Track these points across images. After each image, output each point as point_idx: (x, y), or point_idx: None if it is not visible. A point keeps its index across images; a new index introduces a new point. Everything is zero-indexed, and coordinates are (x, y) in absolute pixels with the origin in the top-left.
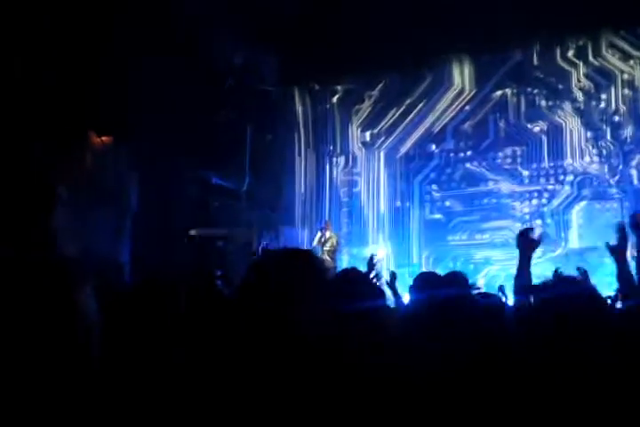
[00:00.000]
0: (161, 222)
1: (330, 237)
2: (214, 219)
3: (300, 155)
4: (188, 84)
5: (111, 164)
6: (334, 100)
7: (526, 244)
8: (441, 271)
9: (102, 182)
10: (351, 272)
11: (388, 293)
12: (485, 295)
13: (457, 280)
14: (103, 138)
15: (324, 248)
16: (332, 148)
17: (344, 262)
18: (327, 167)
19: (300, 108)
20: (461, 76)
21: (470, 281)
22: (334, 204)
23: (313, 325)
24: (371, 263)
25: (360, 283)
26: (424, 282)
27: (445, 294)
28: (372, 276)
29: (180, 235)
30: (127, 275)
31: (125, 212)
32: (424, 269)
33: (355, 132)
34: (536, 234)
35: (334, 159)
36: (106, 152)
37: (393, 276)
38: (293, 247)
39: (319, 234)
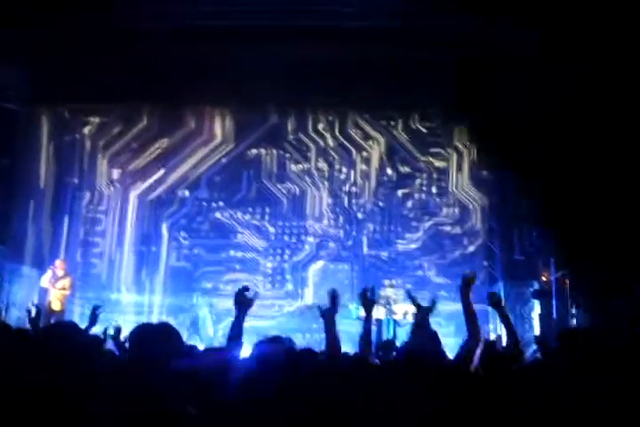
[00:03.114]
0: None
1: (62, 278)
2: None
3: (40, 185)
4: None
5: None
6: (85, 131)
7: (242, 301)
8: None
9: None
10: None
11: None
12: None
13: (169, 335)
14: None
15: (55, 289)
16: (77, 181)
17: (76, 307)
18: (69, 201)
19: (45, 135)
20: (222, 129)
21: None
22: (73, 241)
23: None
24: (94, 315)
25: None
26: (138, 337)
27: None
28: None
29: None
30: None
31: None
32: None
33: (104, 168)
34: (251, 293)
35: (78, 193)
36: None
37: (118, 331)
38: None
39: (49, 273)
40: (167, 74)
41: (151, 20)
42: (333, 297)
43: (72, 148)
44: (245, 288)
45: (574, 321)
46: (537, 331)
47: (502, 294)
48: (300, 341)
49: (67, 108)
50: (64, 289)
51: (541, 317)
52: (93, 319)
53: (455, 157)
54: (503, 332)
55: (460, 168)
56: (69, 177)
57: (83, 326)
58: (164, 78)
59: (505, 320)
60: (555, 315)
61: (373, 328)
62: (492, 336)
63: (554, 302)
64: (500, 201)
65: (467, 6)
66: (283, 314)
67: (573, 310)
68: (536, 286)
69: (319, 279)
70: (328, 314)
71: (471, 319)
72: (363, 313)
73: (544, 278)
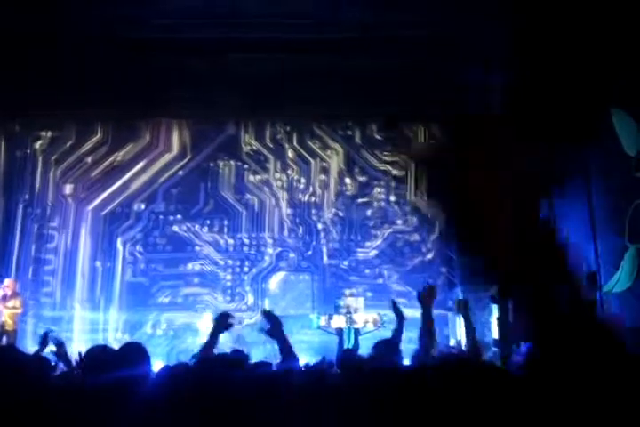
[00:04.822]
0: None
1: (12, 297)
2: None
3: None
4: None
5: None
6: (36, 145)
7: (222, 323)
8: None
9: None
10: None
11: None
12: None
13: (132, 356)
14: None
15: (5, 308)
16: (27, 197)
17: (29, 326)
18: (19, 217)
19: None
20: (178, 140)
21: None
22: (24, 259)
23: None
24: (45, 339)
25: None
26: (96, 360)
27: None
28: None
29: None
30: None
31: None
32: (119, 336)
33: (55, 183)
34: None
35: (29, 210)
36: None
37: (60, 345)
38: None
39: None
40: (121, 85)
41: (105, 29)
42: (268, 316)
43: (23, 162)
44: (230, 315)
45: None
46: (495, 335)
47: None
48: (260, 353)
49: (17, 122)
50: (15, 308)
51: (499, 321)
52: (44, 343)
53: (412, 165)
54: (463, 336)
55: (417, 176)
56: (20, 193)
57: (35, 345)
58: (118, 90)
59: (468, 326)
60: (511, 319)
61: (335, 338)
62: (452, 342)
63: (510, 307)
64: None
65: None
66: (243, 327)
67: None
68: (494, 290)
69: (280, 290)
70: (273, 332)
71: (429, 332)
72: (323, 322)
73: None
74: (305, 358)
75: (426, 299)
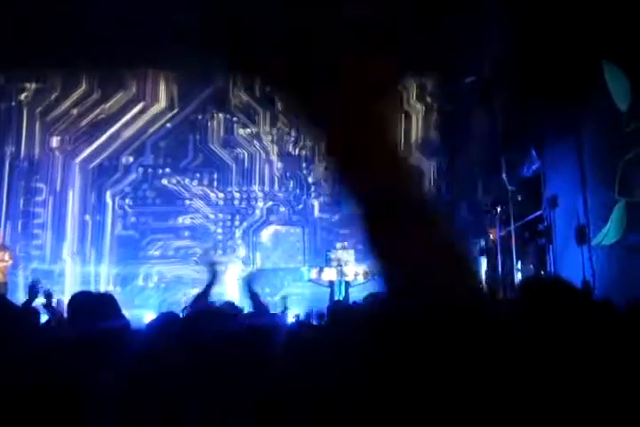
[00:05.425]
0: None
1: (0, 249)
2: None
3: None
4: None
5: None
6: (22, 97)
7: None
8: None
9: None
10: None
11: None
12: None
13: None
14: None
15: None
16: (13, 150)
17: (20, 278)
18: (6, 171)
19: None
20: (166, 93)
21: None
22: (12, 212)
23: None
24: (33, 290)
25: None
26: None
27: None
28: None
29: None
30: None
31: None
32: (111, 288)
33: (42, 135)
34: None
35: (16, 162)
36: None
37: (49, 296)
38: None
39: None
40: (107, 36)
41: None
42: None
43: (8, 115)
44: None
45: (518, 275)
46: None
47: None
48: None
49: (1, 73)
50: (3, 261)
51: (487, 273)
52: (33, 294)
53: (403, 119)
54: None
55: (407, 131)
56: (6, 146)
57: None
58: (104, 41)
59: None
60: (500, 271)
61: (326, 290)
62: None
63: (499, 259)
64: (449, 162)
65: None
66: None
67: (518, 265)
68: (482, 243)
69: (271, 244)
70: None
71: None
72: (314, 275)
73: (491, 236)
74: (297, 310)
75: None
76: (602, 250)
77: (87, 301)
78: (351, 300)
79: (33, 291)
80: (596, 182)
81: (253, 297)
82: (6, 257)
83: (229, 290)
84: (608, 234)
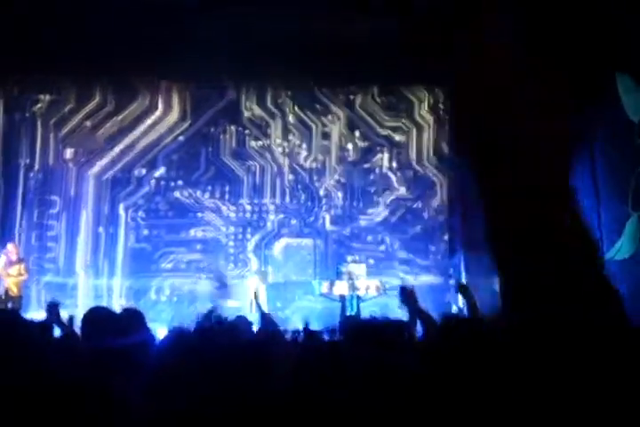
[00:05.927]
0: None
1: (16, 263)
2: None
3: None
4: None
5: None
6: (35, 109)
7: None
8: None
9: None
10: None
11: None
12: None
13: (133, 321)
14: None
15: (9, 274)
16: (27, 161)
17: (33, 292)
18: (20, 183)
19: None
20: (179, 105)
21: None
22: (27, 225)
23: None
24: (54, 314)
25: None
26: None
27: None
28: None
29: None
30: None
31: None
32: (123, 302)
33: (56, 147)
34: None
35: (30, 174)
36: None
37: (70, 319)
38: None
39: (3, 258)
40: (122, 48)
41: None
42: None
43: (22, 127)
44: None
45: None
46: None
47: (462, 266)
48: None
49: (16, 85)
50: (20, 275)
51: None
52: (55, 319)
53: (415, 131)
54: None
55: (420, 142)
56: (20, 158)
57: (40, 311)
58: (119, 53)
59: (469, 302)
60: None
61: (338, 304)
62: (454, 308)
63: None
64: (461, 175)
65: None
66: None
67: None
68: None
69: (282, 257)
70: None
71: (426, 320)
72: (325, 289)
73: None
74: (313, 325)
75: (409, 301)
76: (614, 264)
77: (110, 315)
78: (362, 315)
79: (54, 316)
80: (610, 196)
81: (263, 314)
82: (22, 271)
83: (244, 304)
84: (621, 249)
